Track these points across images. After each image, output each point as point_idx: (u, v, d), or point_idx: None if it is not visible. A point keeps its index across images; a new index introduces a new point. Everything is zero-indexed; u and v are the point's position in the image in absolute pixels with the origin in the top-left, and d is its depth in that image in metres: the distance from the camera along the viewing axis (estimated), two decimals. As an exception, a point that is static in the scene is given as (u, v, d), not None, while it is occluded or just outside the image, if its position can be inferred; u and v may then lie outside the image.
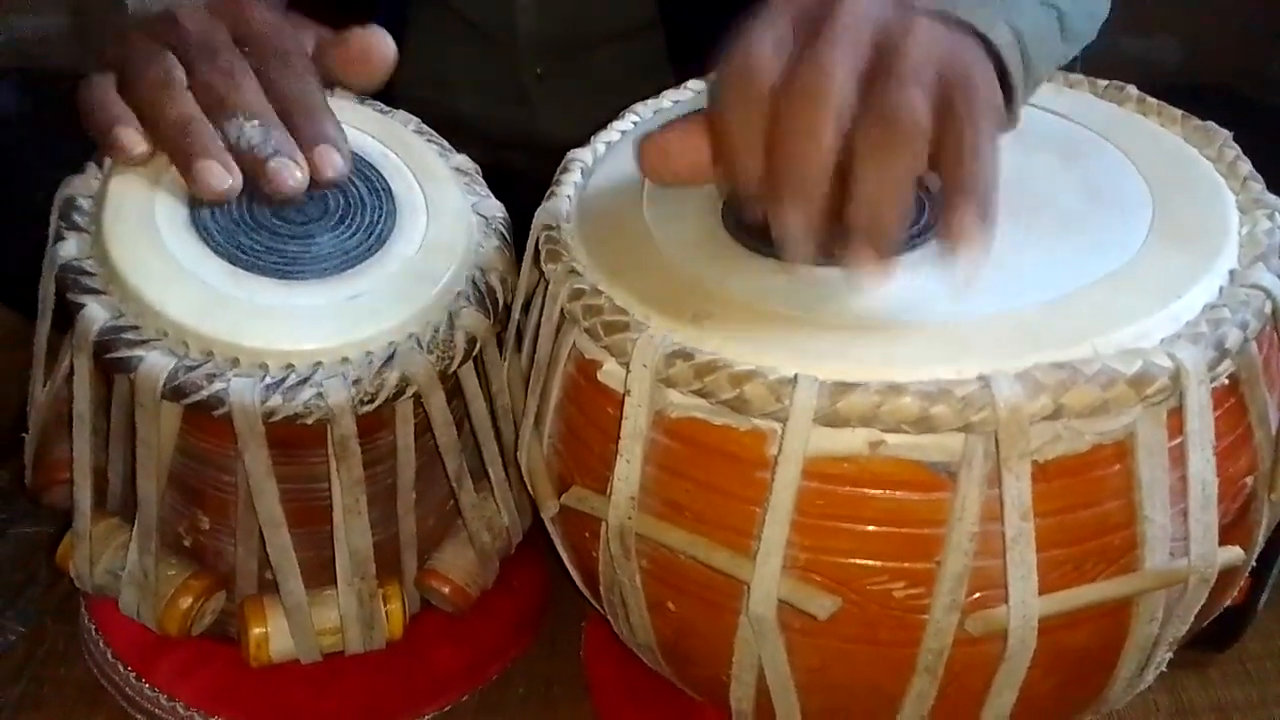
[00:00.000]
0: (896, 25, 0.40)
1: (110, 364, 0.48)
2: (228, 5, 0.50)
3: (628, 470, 0.42)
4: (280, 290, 0.49)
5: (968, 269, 0.38)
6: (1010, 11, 0.43)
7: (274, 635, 0.53)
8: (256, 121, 0.48)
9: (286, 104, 0.49)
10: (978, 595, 0.40)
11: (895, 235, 0.39)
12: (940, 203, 0.44)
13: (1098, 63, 0.53)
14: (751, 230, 0.45)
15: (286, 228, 0.51)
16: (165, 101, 0.48)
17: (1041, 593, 0.39)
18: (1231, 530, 0.42)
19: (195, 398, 0.47)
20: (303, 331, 0.48)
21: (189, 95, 0.48)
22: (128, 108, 0.48)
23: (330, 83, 0.54)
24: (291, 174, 0.47)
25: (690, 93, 0.54)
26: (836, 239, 0.40)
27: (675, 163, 0.43)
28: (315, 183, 0.49)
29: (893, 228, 0.38)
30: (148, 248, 0.49)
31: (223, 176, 0.47)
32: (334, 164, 0.49)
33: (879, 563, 0.40)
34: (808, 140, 0.38)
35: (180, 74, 0.48)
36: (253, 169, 0.48)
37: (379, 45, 0.53)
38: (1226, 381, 0.41)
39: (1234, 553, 0.42)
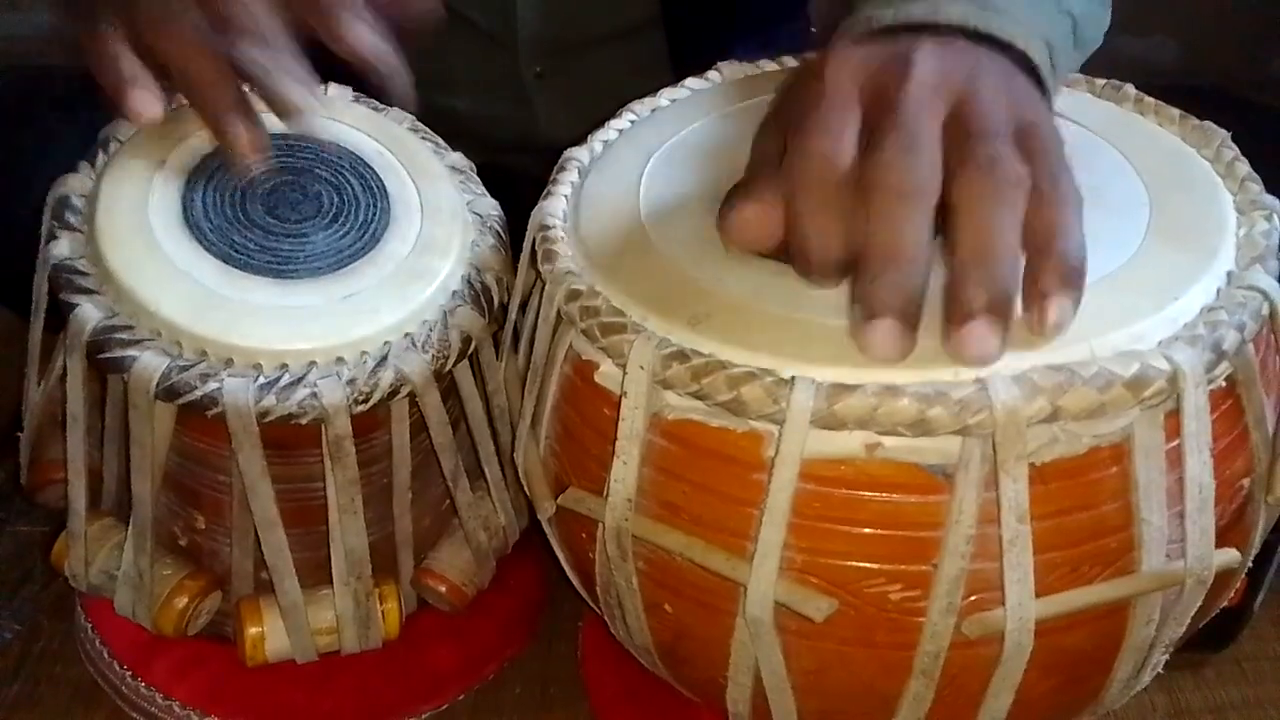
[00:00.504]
0: (963, 84, 0.40)
1: (104, 364, 0.48)
2: None
3: (624, 472, 0.42)
4: (274, 289, 0.49)
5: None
6: (1040, 22, 0.44)
7: (270, 635, 0.53)
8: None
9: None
10: (974, 598, 0.40)
11: (1014, 291, 0.37)
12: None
13: (1095, 62, 0.53)
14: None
15: (280, 226, 0.51)
16: (189, 55, 0.46)
17: (1038, 595, 0.39)
18: (1228, 532, 0.42)
19: (189, 398, 0.47)
20: (297, 331, 0.48)
21: (211, 49, 0.46)
22: (142, 66, 0.47)
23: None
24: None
25: (687, 91, 0.54)
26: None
27: (756, 237, 0.41)
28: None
29: (1011, 283, 0.37)
30: (141, 247, 0.49)
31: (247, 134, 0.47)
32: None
33: (875, 565, 0.40)
34: (904, 223, 0.37)
35: (200, 20, 0.46)
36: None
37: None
38: (1224, 384, 0.41)
39: (1230, 555, 0.42)
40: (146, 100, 0.47)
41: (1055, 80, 0.45)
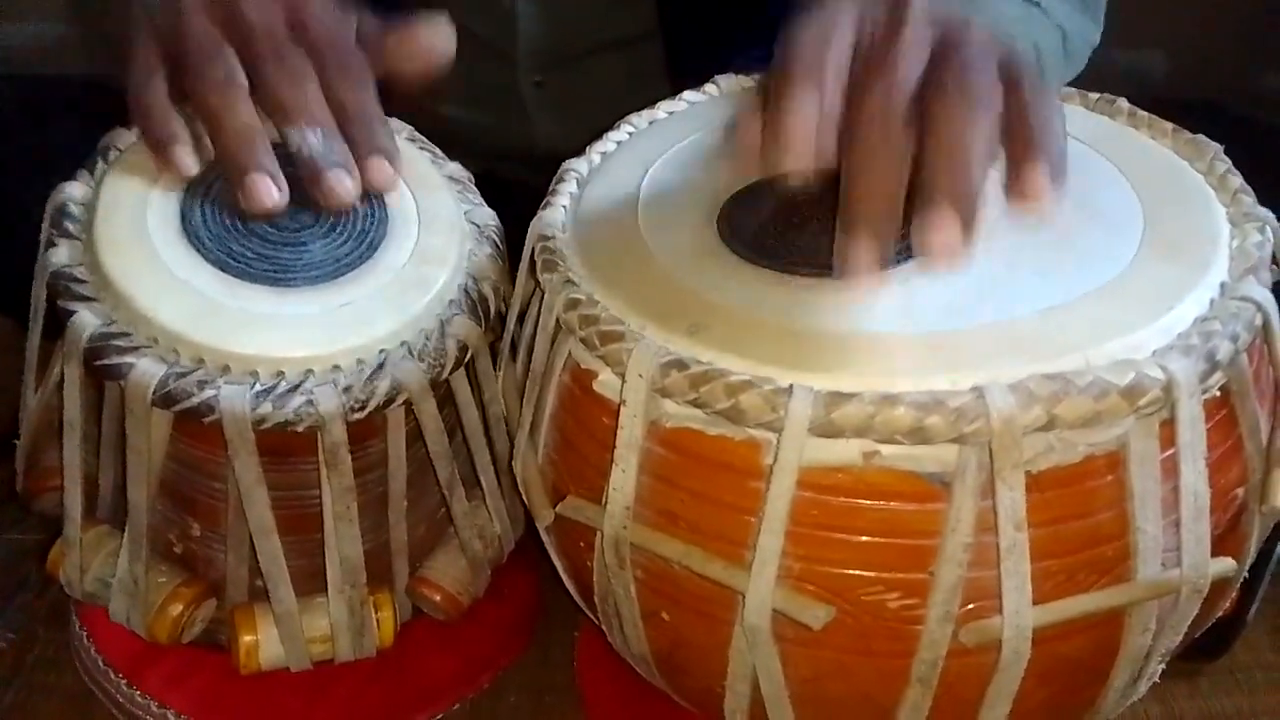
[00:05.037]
0: (956, 23, 0.41)
1: (101, 371, 0.48)
2: None
3: (623, 480, 0.42)
4: (271, 297, 0.49)
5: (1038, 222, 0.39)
6: (1029, 29, 0.44)
7: (264, 643, 0.53)
8: (320, 131, 0.47)
9: (344, 111, 0.48)
10: (971, 606, 0.40)
11: (978, 199, 0.39)
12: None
13: (1087, 76, 0.53)
14: (746, 240, 0.45)
15: (278, 235, 0.51)
16: (226, 109, 0.47)
17: (1035, 603, 0.39)
18: (1223, 541, 0.42)
19: (185, 405, 0.47)
20: (294, 339, 0.48)
21: (250, 103, 0.47)
22: (183, 123, 0.48)
23: (378, 72, 0.51)
24: (345, 187, 0.48)
25: (685, 104, 0.54)
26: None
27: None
28: (365, 192, 0.49)
29: (977, 189, 0.38)
30: (139, 255, 0.49)
31: (272, 192, 0.47)
32: (386, 176, 0.49)
33: (873, 573, 0.40)
34: (884, 135, 0.39)
35: (242, 77, 0.47)
36: (311, 179, 0.48)
37: (441, 38, 0.51)
38: (1218, 393, 0.41)
39: (1226, 564, 0.42)
40: (186, 158, 0.48)
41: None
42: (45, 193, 0.51)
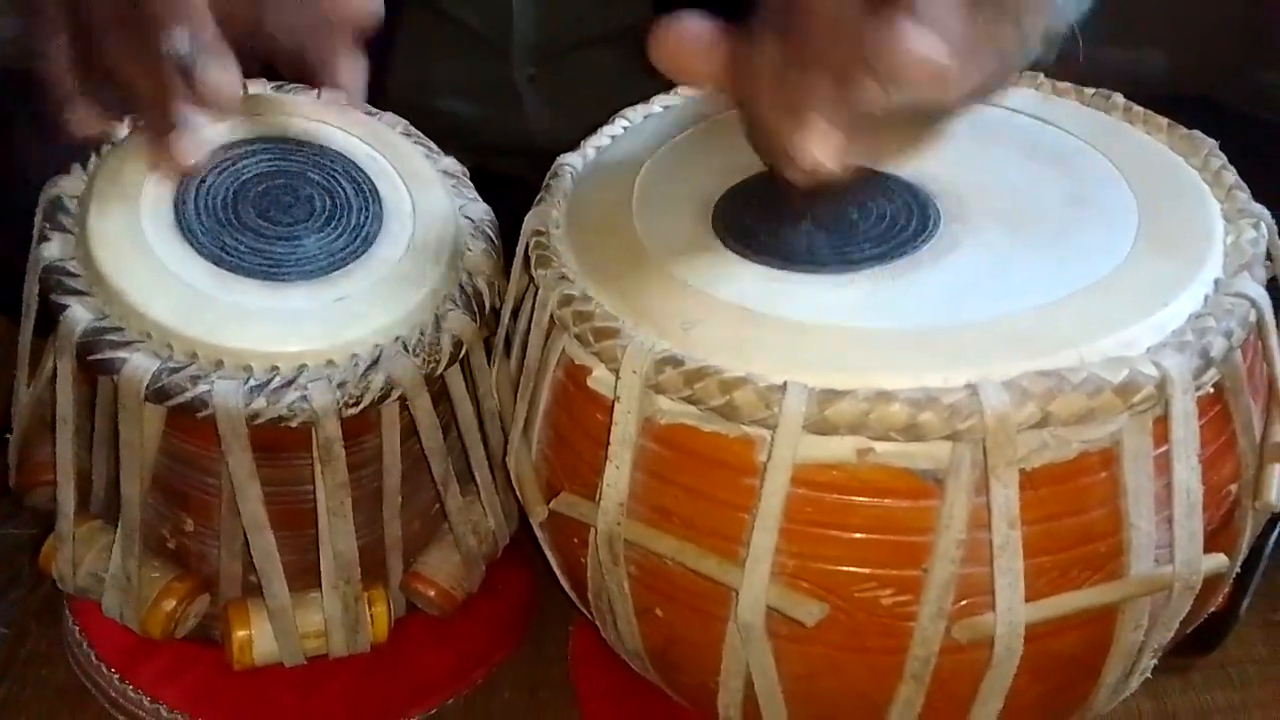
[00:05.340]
0: None
1: (93, 366, 0.48)
2: None
3: (617, 476, 0.42)
4: (265, 292, 0.49)
5: None
6: None
7: (258, 638, 0.53)
8: (189, 34, 0.46)
9: None
10: (965, 602, 0.40)
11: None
12: (930, 211, 0.45)
13: (1083, 72, 0.53)
14: (741, 236, 0.45)
15: (272, 229, 0.51)
16: (136, 73, 0.47)
17: (1028, 600, 0.39)
18: (1216, 537, 0.43)
19: (178, 400, 0.47)
20: (287, 334, 0.48)
21: (159, 62, 0.47)
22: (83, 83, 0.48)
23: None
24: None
25: (680, 98, 0.54)
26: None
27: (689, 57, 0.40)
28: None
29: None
30: (132, 249, 0.49)
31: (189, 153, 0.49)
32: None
33: (867, 570, 0.40)
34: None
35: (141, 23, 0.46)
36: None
37: None
38: (1211, 390, 0.41)
39: (1218, 560, 0.42)
40: (86, 121, 0.49)
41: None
42: (37, 186, 0.51)
